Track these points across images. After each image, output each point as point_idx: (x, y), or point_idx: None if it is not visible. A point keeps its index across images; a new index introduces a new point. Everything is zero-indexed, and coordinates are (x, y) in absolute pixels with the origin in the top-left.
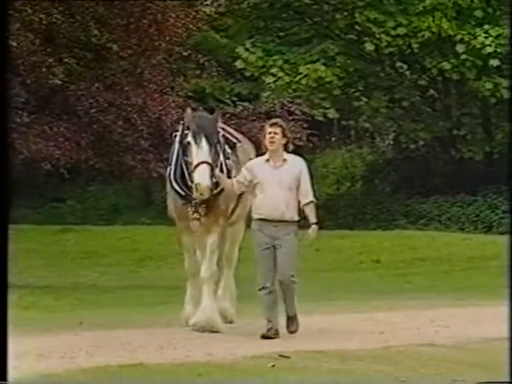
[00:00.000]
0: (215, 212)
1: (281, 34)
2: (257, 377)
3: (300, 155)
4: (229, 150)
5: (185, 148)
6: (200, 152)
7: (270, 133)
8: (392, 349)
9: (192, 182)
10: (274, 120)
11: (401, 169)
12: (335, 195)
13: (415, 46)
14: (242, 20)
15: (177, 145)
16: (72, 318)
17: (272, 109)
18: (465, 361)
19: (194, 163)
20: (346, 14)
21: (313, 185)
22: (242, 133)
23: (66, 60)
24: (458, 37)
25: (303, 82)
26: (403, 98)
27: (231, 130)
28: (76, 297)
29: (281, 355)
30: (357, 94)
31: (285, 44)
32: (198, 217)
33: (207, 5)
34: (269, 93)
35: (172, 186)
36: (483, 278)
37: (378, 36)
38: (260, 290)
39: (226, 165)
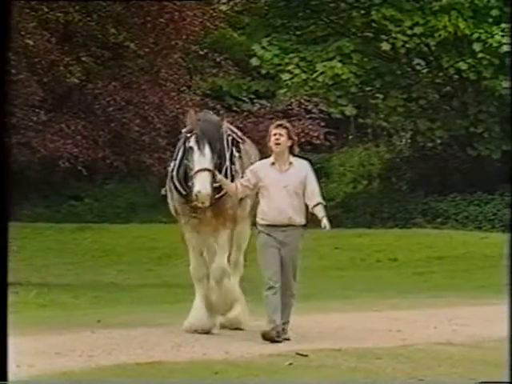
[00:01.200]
0: (224, 216)
1: (297, 32)
2: (274, 375)
3: (306, 159)
4: (236, 154)
5: (187, 152)
6: (202, 159)
7: (274, 134)
8: (409, 347)
9: (193, 186)
10: (278, 121)
11: (418, 167)
12: (352, 194)
13: (432, 44)
14: (258, 18)
15: (182, 144)
16: (90, 316)
17: (289, 107)
18: (482, 360)
19: (195, 169)
20: (362, 12)
21: (321, 187)
22: (246, 134)
23: (83, 59)
24: (475, 36)
25: (320, 79)
26: (420, 96)
27: (236, 131)
28: (94, 295)
29: (298, 353)
30: (374, 92)
31: (301, 42)
32: (195, 216)
33: (224, 3)
34: (285, 90)
35: (173, 183)
36: (501, 277)
37: (394, 35)
38: (267, 289)
39: (231, 170)
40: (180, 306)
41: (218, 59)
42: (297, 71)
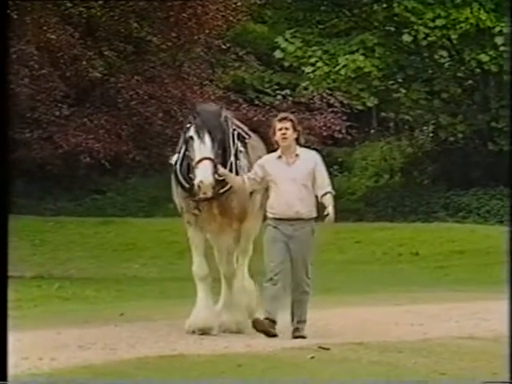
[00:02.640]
0: (229, 215)
1: (320, 26)
2: (296, 368)
3: (314, 149)
4: (242, 149)
5: (187, 142)
6: (202, 147)
7: (280, 129)
8: (431, 341)
9: (194, 177)
10: (283, 114)
11: (440, 161)
12: (374, 187)
13: (454, 37)
14: (281, 12)
15: (183, 135)
16: (112, 309)
17: (311, 101)
18: (504, 354)
19: (196, 159)
20: (384, 5)
21: (331, 177)
22: (254, 130)
23: (105, 53)
24: (497, 29)
25: (342, 72)
26: (442, 89)
27: (243, 126)
28: (116, 288)
29: (320, 347)
30: (396, 85)
31: (324, 35)
32: (197, 213)
33: None
34: (307, 82)
35: (177, 178)
36: None
37: (416, 28)
38: (267, 281)
39: (236, 165)
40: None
41: (240, 53)
42: (319, 64)
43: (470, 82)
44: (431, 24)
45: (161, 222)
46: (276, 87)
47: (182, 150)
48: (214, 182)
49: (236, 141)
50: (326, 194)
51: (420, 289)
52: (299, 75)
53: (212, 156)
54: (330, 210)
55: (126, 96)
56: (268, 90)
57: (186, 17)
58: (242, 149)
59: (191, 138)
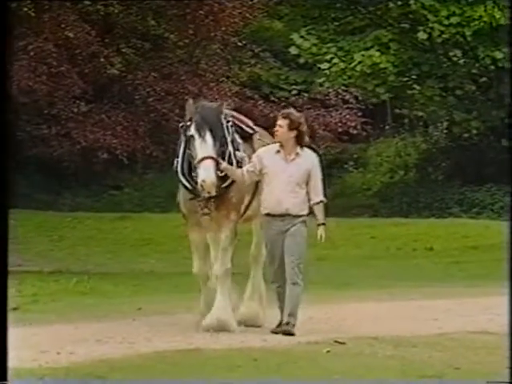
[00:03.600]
0: (226, 206)
1: (335, 23)
2: (312, 362)
3: (316, 151)
4: (239, 140)
5: (188, 141)
6: (204, 146)
7: (276, 125)
8: (446, 336)
9: (197, 176)
10: (285, 111)
11: (454, 157)
12: (389, 183)
13: (468, 34)
14: (297, 9)
15: (183, 137)
16: (130, 303)
17: (327, 97)
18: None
19: (198, 158)
20: (399, 3)
21: (324, 182)
22: (256, 122)
23: (123, 50)
24: None
25: (358, 68)
26: (457, 86)
27: (244, 119)
28: (134, 283)
29: (336, 341)
30: (410, 82)
31: (339, 33)
32: (208, 212)
33: None
34: (323, 79)
35: (180, 180)
36: None
37: (430, 25)
38: (272, 283)
39: (235, 156)
40: None
41: (256, 50)
42: (335, 60)
43: (484, 78)
44: (446, 21)
45: (177, 218)
46: (292, 84)
47: (182, 150)
48: (216, 181)
49: (232, 132)
50: (318, 202)
51: (434, 284)
52: (315, 72)
53: (214, 154)
54: (321, 233)
55: (143, 93)
56: (284, 87)
57: (203, 14)
58: (240, 141)
59: (192, 136)
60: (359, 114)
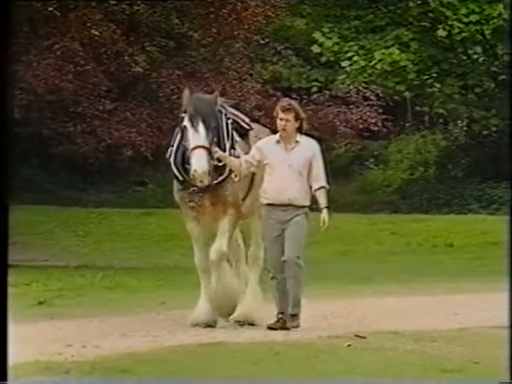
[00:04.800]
0: (223, 203)
1: (356, 21)
2: (333, 356)
3: (315, 138)
4: (238, 138)
5: (182, 132)
6: (196, 136)
7: (281, 119)
8: (466, 330)
9: (190, 166)
10: (285, 103)
11: (473, 154)
12: (409, 180)
13: (487, 32)
14: (318, 8)
15: (178, 128)
16: (154, 298)
17: (348, 94)
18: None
19: (191, 147)
20: (419, 2)
21: (326, 170)
22: (256, 120)
23: (148, 48)
24: None
25: (378, 66)
26: (476, 84)
27: (241, 115)
28: (158, 278)
29: (357, 335)
30: (430, 80)
31: (360, 31)
32: (193, 205)
33: None
34: (344, 76)
35: (172, 170)
36: None
37: (450, 23)
38: (271, 279)
39: (230, 154)
40: None
41: (278, 48)
42: (356, 58)
43: (504, 76)
44: (465, 19)
45: None
46: (314, 81)
47: (177, 141)
48: (208, 170)
49: (231, 130)
50: (319, 188)
51: (454, 279)
52: (336, 70)
53: (206, 144)
54: (324, 216)
55: (167, 90)
56: (305, 84)
57: (226, 13)
58: (238, 139)
59: (185, 127)
60: (380, 111)
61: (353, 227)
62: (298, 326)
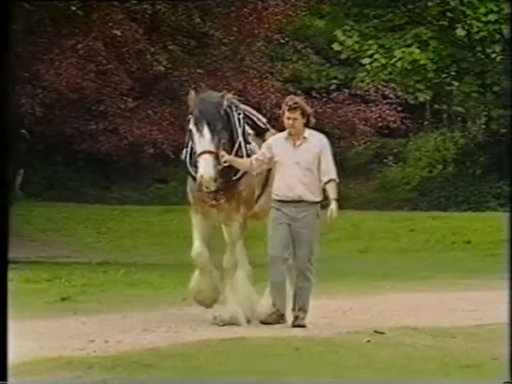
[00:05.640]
0: (237, 199)
1: (375, 20)
2: (352, 351)
3: (323, 132)
4: (250, 131)
5: (189, 135)
6: (202, 140)
7: (288, 118)
8: (484, 327)
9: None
10: (291, 102)
11: (491, 152)
12: (428, 177)
13: (505, 32)
14: (338, 7)
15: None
16: (176, 294)
17: (367, 93)
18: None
19: (197, 152)
20: (438, 1)
21: (336, 164)
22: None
23: (169, 47)
24: None
25: (398, 64)
26: (494, 83)
27: (258, 114)
28: (180, 274)
29: (376, 331)
30: (449, 78)
31: (379, 30)
32: (216, 203)
33: None
34: (364, 74)
35: (188, 171)
36: None
37: (469, 22)
38: (271, 263)
39: (245, 147)
40: (263, 285)
41: (298, 47)
42: (376, 56)
43: None
44: (484, 18)
45: None
46: (333, 79)
47: (190, 144)
48: (214, 176)
49: (242, 123)
50: (329, 181)
51: (473, 276)
52: (355, 69)
53: (212, 148)
54: (333, 208)
55: (188, 89)
56: (325, 83)
57: (247, 12)
58: (250, 132)
59: (190, 130)
60: (399, 109)
61: (372, 224)
62: (303, 326)
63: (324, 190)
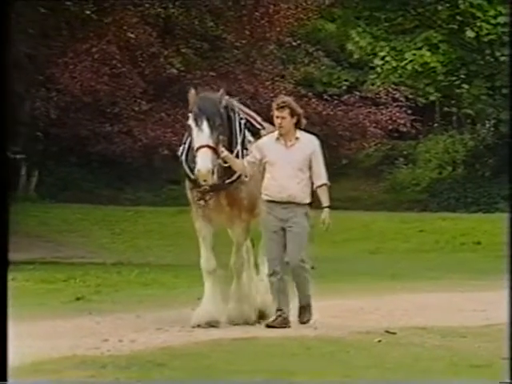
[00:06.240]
0: (238, 205)
1: (386, 24)
2: (363, 351)
3: (314, 134)
4: (250, 138)
5: (188, 131)
6: (201, 135)
7: (277, 117)
8: (493, 327)
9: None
10: (280, 101)
11: (501, 154)
12: (438, 179)
13: None
14: (349, 11)
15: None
16: (189, 294)
17: (377, 96)
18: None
19: (196, 147)
20: (448, 5)
21: (326, 166)
22: (268, 120)
23: (183, 50)
24: None
25: (408, 67)
26: (503, 85)
27: (254, 114)
28: (192, 274)
29: (387, 331)
30: (458, 81)
31: (390, 33)
32: (203, 204)
33: None
34: (375, 76)
35: (183, 168)
36: None
37: (478, 24)
38: (270, 276)
39: (242, 154)
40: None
41: (310, 50)
42: (388, 58)
43: None
44: (493, 21)
45: None
46: (344, 81)
47: (188, 140)
48: (212, 169)
49: (243, 129)
50: (321, 185)
51: (482, 276)
52: (366, 72)
53: (211, 143)
54: (325, 218)
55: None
56: (336, 86)
57: (259, 15)
58: (251, 138)
59: (189, 126)
60: (409, 111)
61: (382, 225)
62: (308, 322)
63: (314, 193)
